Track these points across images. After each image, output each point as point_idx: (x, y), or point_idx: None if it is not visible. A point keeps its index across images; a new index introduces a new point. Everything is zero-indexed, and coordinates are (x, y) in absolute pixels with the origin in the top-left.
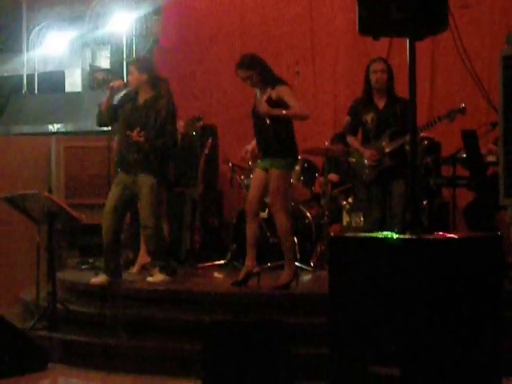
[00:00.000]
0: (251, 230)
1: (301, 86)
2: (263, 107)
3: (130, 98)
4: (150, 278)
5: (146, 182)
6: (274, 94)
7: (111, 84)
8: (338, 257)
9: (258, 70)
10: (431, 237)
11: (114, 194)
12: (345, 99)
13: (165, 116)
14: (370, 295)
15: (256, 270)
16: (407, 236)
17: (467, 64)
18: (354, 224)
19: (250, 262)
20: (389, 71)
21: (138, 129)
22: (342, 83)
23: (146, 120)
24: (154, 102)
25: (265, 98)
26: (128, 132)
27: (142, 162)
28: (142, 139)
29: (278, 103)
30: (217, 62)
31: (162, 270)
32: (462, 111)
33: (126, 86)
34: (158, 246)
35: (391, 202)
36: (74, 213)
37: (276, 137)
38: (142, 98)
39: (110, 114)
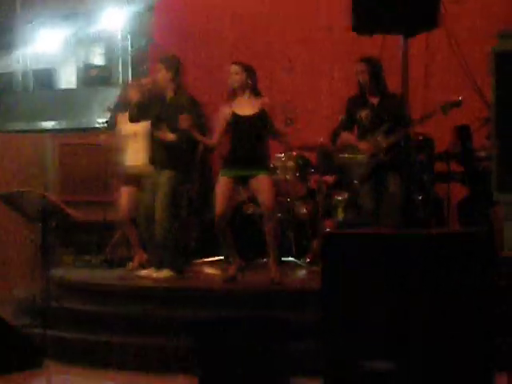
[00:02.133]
0: (227, 239)
1: (295, 83)
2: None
3: (156, 96)
4: (155, 274)
5: (165, 175)
6: (263, 105)
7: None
8: (331, 252)
9: (252, 77)
10: (424, 232)
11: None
12: (340, 94)
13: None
14: (362, 290)
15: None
16: (400, 231)
17: (461, 60)
18: (348, 219)
19: (236, 261)
20: (372, 71)
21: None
22: (338, 79)
23: (176, 118)
24: (178, 99)
25: (260, 105)
26: (155, 133)
27: (170, 158)
28: (172, 138)
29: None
30: (209, 57)
31: (170, 266)
32: (458, 104)
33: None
34: (167, 240)
35: (387, 197)
36: (69, 211)
37: (262, 144)
38: (168, 96)
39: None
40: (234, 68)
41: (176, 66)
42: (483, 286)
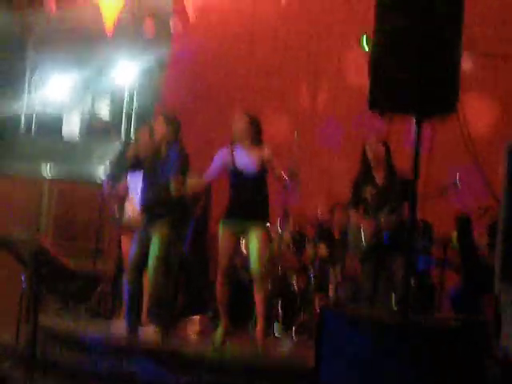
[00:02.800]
0: (223, 297)
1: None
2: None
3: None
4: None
5: (158, 231)
6: (264, 155)
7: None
8: (326, 329)
9: (255, 127)
10: (420, 320)
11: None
12: (340, 168)
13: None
14: (355, 372)
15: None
16: (397, 318)
17: (470, 148)
18: (339, 298)
19: (225, 324)
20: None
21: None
22: (338, 153)
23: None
24: (174, 154)
25: (262, 157)
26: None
27: (163, 214)
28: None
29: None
30: (221, 118)
31: (157, 318)
32: (456, 185)
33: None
34: (158, 299)
35: (395, 277)
36: (61, 259)
37: (261, 197)
38: (163, 151)
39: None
40: (238, 116)
41: (176, 125)
42: (477, 375)
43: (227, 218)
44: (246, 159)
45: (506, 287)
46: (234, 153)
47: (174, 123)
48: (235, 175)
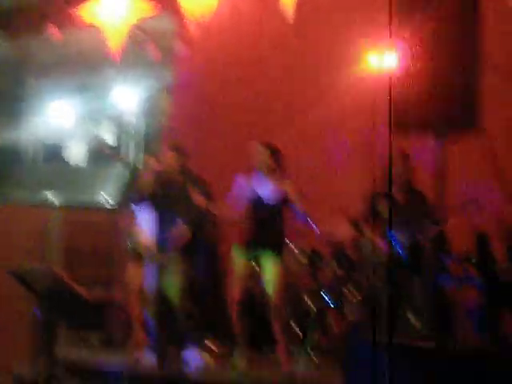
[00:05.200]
0: (247, 324)
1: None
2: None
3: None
4: None
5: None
6: (287, 188)
7: None
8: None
9: (276, 158)
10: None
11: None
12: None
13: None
14: None
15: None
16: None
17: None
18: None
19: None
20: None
21: None
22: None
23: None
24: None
25: (280, 190)
26: None
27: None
28: None
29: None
30: (227, 143)
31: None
32: (476, 203)
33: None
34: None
35: (414, 298)
36: (78, 289)
37: (277, 229)
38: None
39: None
40: (258, 148)
41: (183, 154)
42: None
43: (243, 246)
44: (266, 189)
45: None
46: (255, 182)
47: (181, 152)
48: (253, 205)
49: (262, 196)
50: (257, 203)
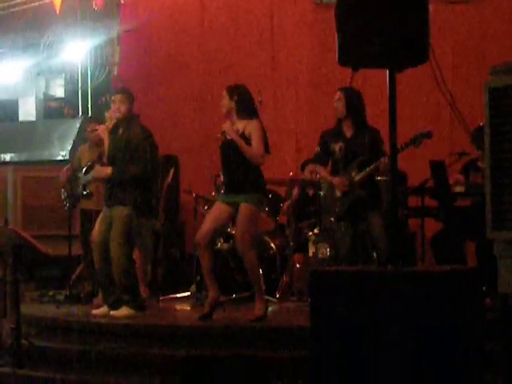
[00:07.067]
0: (205, 262)
1: (262, 115)
2: (231, 132)
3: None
4: (113, 312)
5: (117, 214)
6: (247, 128)
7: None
8: (319, 290)
9: (236, 100)
10: (412, 270)
11: (97, 229)
12: (307, 127)
13: (136, 144)
14: (351, 329)
15: (221, 299)
16: (389, 268)
17: (447, 96)
18: (320, 255)
19: (213, 292)
20: (349, 99)
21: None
22: (303, 111)
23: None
24: (130, 133)
25: (238, 129)
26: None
27: (116, 194)
28: (107, 172)
29: (247, 138)
30: (176, 91)
31: (129, 304)
32: (428, 136)
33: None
34: (126, 280)
35: (373, 234)
36: (40, 246)
37: (247, 171)
38: (124, 127)
39: None
40: (223, 93)
41: (131, 99)
42: (472, 324)
43: (218, 191)
44: (230, 129)
45: (498, 236)
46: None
47: (130, 99)
48: (221, 147)
49: (226, 138)
50: (223, 146)
